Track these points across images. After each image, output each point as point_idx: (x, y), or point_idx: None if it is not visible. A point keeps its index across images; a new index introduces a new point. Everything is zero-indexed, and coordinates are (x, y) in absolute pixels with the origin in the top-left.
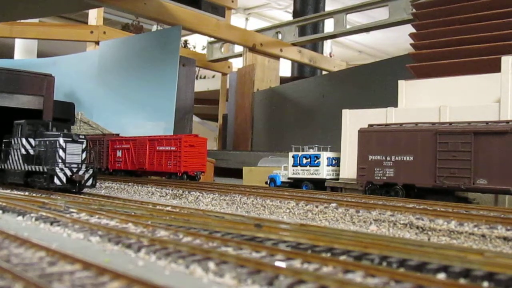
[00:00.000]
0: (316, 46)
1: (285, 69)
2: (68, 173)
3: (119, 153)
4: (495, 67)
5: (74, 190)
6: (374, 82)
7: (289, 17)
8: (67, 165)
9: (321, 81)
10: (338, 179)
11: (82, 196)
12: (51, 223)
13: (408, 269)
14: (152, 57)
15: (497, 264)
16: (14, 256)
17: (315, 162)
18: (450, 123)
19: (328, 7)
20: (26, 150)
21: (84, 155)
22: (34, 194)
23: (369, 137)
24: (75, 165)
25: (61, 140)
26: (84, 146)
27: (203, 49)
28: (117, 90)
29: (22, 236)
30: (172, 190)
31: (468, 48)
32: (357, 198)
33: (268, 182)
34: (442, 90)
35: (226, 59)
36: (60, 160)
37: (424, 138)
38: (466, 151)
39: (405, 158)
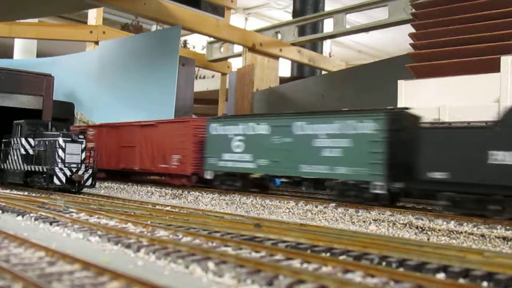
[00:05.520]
0: (315, 46)
1: (284, 69)
2: (68, 173)
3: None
4: (495, 67)
5: (73, 190)
6: (374, 82)
7: (288, 17)
8: (66, 165)
9: (321, 81)
10: None
11: (81, 196)
12: (51, 223)
13: (408, 269)
14: (151, 57)
15: (497, 264)
16: (13, 256)
17: None
18: (450, 123)
19: (328, 7)
20: (25, 150)
21: (83, 155)
22: (33, 194)
23: None
24: (75, 165)
25: (60, 140)
26: (83, 146)
27: (203, 49)
28: (116, 90)
29: (21, 236)
30: (171, 190)
31: (468, 48)
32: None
33: None
34: (441, 90)
35: (225, 59)
36: (59, 160)
37: None
38: None
39: None
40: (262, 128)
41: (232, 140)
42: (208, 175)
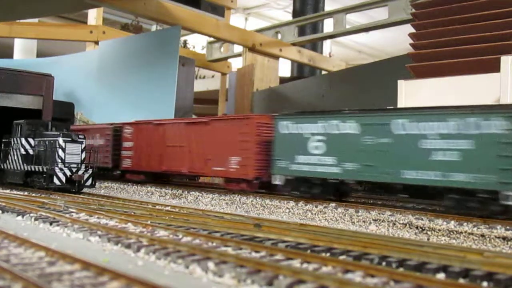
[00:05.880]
0: (315, 46)
1: (284, 69)
2: (68, 173)
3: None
4: (495, 67)
5: (73, 190)
6: (374, 82)
7: (288, 17)
8: (66, 165)
9: (321, 81)
10: None
11: (81, 196)
12: (51, 223)
13: (408, 269)
14: (151, 57)
15: (497, 264)
16: (13, 256)
17: None
18: None
19: (328, 7)
20: (25, 150)
21: (83, 155)
22: (33, 194)
23: None
24: (75, 165)
25: (60, 140)
26: (83, 146)
27: (203, 49)
28: (116, 90)
29: (21, 236)
30: (171, 190)
31: (468, 48)
32: (356, 197)
33: None
34: (441, 90)
35: (225, 59)
36: (59, 160)
37: None
38: None
39: None
40: (349, 127)
41: (309, 140)
42: (277, 180)
